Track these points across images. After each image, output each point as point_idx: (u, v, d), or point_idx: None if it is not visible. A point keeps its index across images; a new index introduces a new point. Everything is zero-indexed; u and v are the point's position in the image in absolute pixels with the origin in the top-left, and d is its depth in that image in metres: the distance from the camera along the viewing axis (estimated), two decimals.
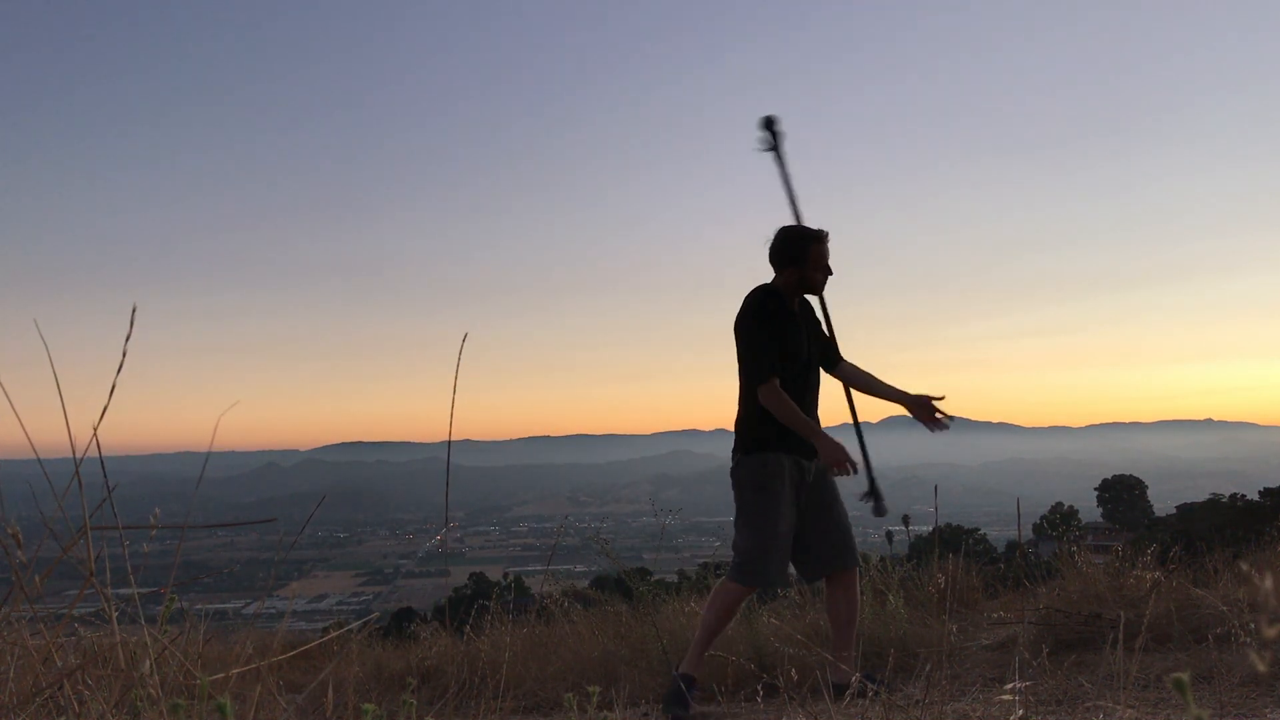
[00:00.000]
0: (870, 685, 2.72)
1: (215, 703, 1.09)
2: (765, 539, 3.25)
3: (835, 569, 3.33)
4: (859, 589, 3.39)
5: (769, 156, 3.63)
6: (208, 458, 1.89)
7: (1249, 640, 2.91)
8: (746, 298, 3.33)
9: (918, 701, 2.70)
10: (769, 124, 3.61)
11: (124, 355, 1.48)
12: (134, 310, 1.48)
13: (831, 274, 3.36)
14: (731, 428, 3.41)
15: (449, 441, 1.74)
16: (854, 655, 3.23)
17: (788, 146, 3.62)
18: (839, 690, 2.98)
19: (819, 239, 3.30)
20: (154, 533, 1.56)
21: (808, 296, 3.43)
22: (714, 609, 3.31)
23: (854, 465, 3.21)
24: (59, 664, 1.60)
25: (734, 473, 3.38)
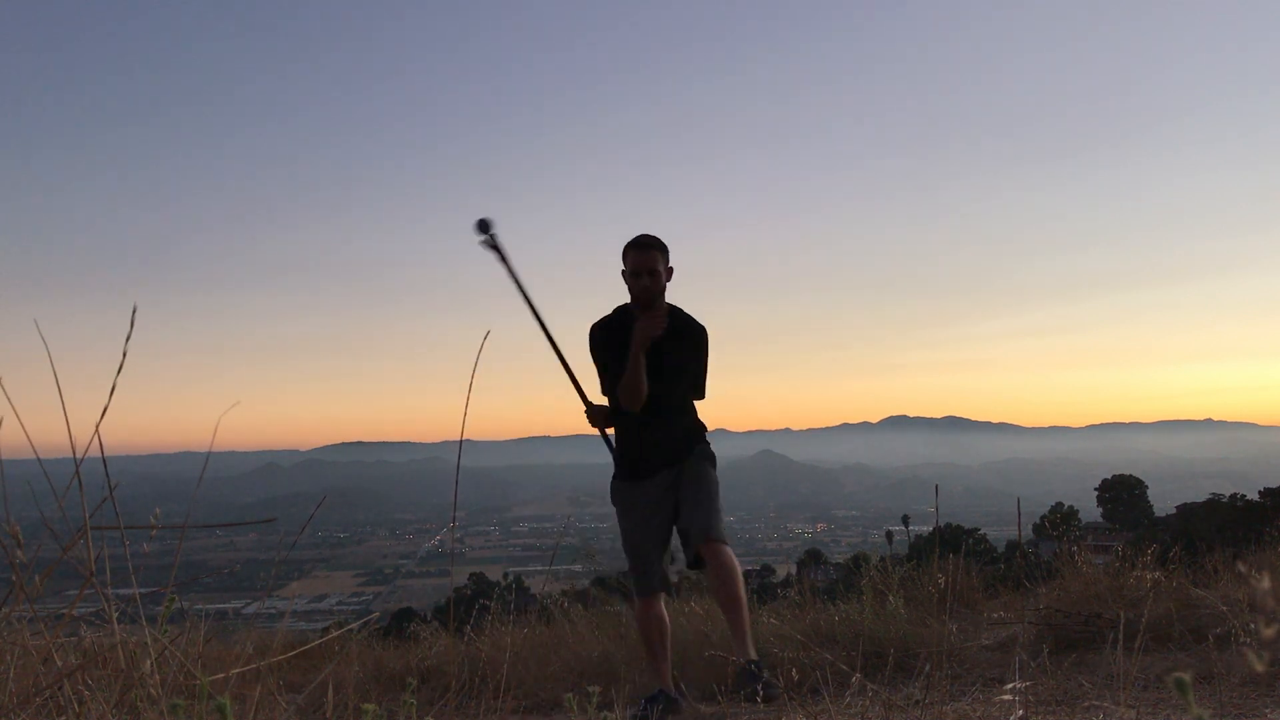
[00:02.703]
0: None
1: (215, 703, 1.09)
2: None
3: None
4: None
5: (492, 256, 3.33)
6: (208, 458, 1.89)
7: (1249, 640, 2.91)
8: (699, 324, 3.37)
9: (918, 701, 2.70)
10: (484, 228, 3.30)
11: (124, 355, 1.48)
12: (134, 310, 1.48)
13: (643, 282, 3.24)
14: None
15: (460, 440, 1.75)
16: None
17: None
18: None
19: (631, 244, 3.28)
20: (154, 533, 1.56)
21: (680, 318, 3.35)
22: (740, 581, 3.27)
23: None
24: (59, 664, 1.60)
25: (711, 461, 3.42)
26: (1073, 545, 4.22)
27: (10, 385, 1.45)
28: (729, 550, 3.20)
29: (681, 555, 3.38)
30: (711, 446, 3.45)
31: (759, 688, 2.78)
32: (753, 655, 3.08)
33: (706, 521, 3.23)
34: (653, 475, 3.37)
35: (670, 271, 3.31)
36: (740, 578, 3.17)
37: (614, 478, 3.47)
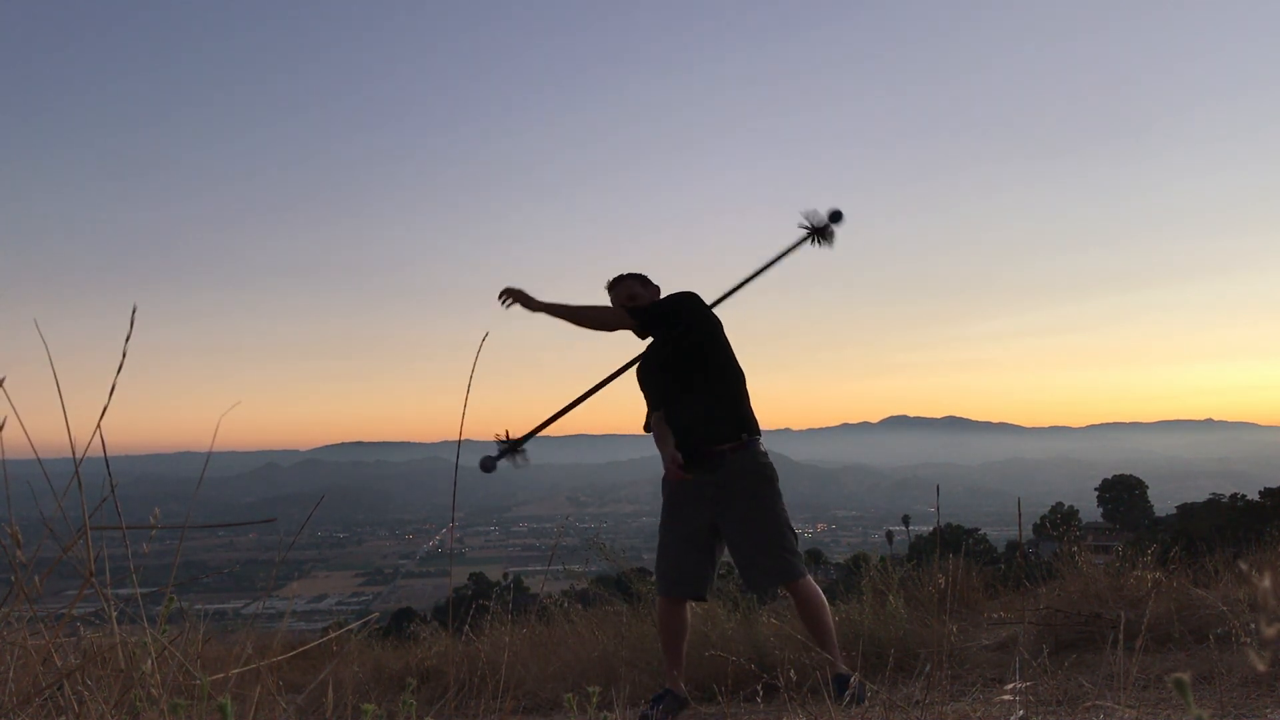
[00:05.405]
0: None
1: (215, 703, 1.09)
2: None
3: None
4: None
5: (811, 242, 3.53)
6: (208, 458, 1.89)
7: (1249, 640, 2.91)
8: None
9: (918, 702, 2.70)
10: (835, 219, 3.52)
11: (124, 355, 1.48)
12: (134, 310, 1.48)
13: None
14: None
15: (459, 441, 1.74)
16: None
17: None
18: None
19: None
20: (154, 533, 1.56)
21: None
22: (825, 610, 3.24)
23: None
24: (59, 664, 1.60)
25: (762, 460, 3.30)
26: (1073, 545, 4.22)
27: (10, 385, 1.45)
28: (802, 584, 3.19)
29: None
30: (761, 451, 3.32)
31: (845, 695, 2.83)
32: (841, 670, 3.09)
33: (772, 568, 3.20)
34: (691, 468, 3.31)
35: (635, 291, 3.44)
36: (820, 607, 3.19)
37: None
